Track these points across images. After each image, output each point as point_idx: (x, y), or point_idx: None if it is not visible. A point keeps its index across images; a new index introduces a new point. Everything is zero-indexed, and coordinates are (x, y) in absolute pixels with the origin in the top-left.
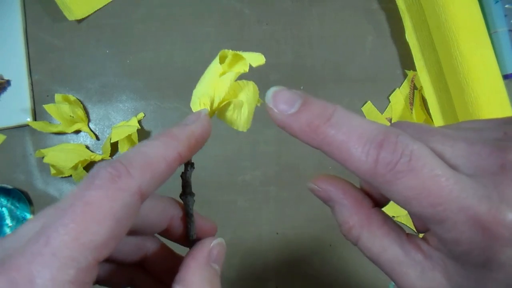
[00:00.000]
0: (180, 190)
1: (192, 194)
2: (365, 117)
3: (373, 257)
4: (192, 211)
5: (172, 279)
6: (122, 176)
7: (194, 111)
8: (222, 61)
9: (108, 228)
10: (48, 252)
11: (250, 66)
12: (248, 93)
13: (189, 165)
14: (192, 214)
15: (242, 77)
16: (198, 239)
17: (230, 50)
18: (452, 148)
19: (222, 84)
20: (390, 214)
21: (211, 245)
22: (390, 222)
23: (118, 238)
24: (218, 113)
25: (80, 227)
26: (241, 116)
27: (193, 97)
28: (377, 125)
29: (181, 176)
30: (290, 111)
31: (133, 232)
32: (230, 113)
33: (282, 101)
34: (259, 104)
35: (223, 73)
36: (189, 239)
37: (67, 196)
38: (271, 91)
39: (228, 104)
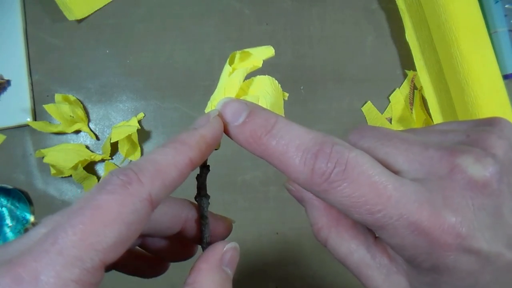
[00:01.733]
0: (195, 192)
1: (207, 196)
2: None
3: (341, 259)
4: (206, 214)
5: (167, 255)
6: (133, 183)
7: None
8: (231, 62)
9: (116, 232)
10: (54, 251)
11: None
12: (266, 88)
13: (204, 167)
14: (207, 216)
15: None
16: (212, 242)
17: (240, 50)
18: (406, 152)
19: (232, 83)
20: None
21: (225, 249)
22: (359, 225)
23: (126, 243)
24: None
25: (88, 229)
26: None
27: (208, 103)
28: (314, 134)
29: (196, 178)
30: (236, 122)
31: (146, 234)
32: None
33: (230, 112)
34: (285, 98)
35: (233, 72)
36: (203, 242)
37: (78, 200)
38: (220, 102)
39: None
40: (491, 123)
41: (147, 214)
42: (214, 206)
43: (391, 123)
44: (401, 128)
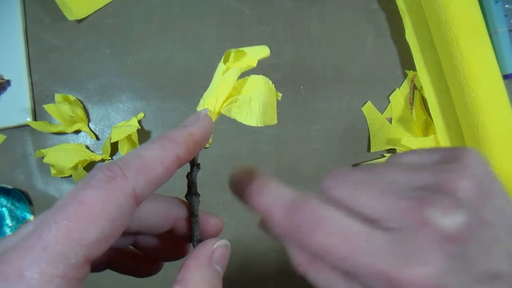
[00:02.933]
0: (185, 190)
1: (197, 195)
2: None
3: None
4: (197, 212)
5: (159, 255)
6: (117, 178)
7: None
8: (226, 60)
9: (100, 227)
10: (39, 247)
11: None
12: (259, 88)
13: (195, 165)
14: (197, 214)
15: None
16: (203, 240)
17: (234, 49)
18: (378, 202)
19: (226, 82)
20: None
21: (214, 246)
22: None
23: (111, 238)
24: (225, 111)
25: (72, 225)
26: (251, 111)
27: (200, 101)
28: (295, 194)
29: (187, 176)
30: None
31: (137, 232)
32: (239, 110)
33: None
34: (279, 98)
35: (226, 71)
36: (193, 240)
37: (64, 196)
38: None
39: (235, 100)
40: (459, 158)
41: (131, 210)
42: (214, 206)
43: (391, 123)
44: (401, 128)
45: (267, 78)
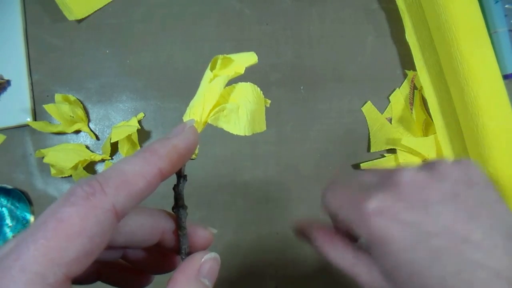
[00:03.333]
0: (172, 202)
1: (184, 207)
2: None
3: (337, 264)
4: (184, 224)
5: (149, 268)
6: (96, 193)
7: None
8: (213, 68)
9: (79, 245)
10: (17, 267)
11: (249, 67)
12: (247, 95)
13: (181, 177)
14: (185, 227)
15: (242, 79)
16: (192, 253)
17: (221, 55)
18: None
19: (213, 90)
20: None
21: (203, 259)
22: (346, 240)
23: (91, 255)
24: (212, 120)
25: (50, 243)
26: (239, 120)
27: (187, 109)
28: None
29: (173, 188)
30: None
31: (124, 246)
32: (226, 119)
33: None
34: (267, 105)
35: (213, 79)
36: (181, 253)
37: (43, 213)
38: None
39: (222, 109)
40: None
41: (111, 226)
42: (214, 207)
43: (391, 123)
44: (401, 128)
45: (255, 85)
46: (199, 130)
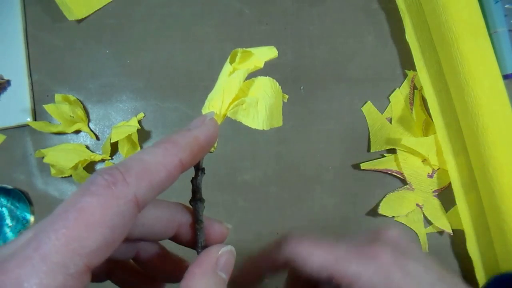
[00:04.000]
0: (190, 195)
1: (202, 200)
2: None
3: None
4: (202, 218)
5: (160, 273)
6: (118, 183)
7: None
8: (232, 60)
9: (100, 235)
10: (37, 257)
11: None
12: (266, 89)
13: (199, 170)
14: (202, 220)
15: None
16: (207, 246)
17: (241, 49)
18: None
19: (232, 84)
20: (390, 214)
21: (219, 252)
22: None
23: (112, 246)
24: (231, 114)
25: (71, 233)
26: (258, 114)
27: (205, 102)
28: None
29: (191, 181)
30: None
31: (139, 238)
32: (245, 112)
33: None
34: (285, 100)
35: (233, 72)
36: (198, 246)
37: (63, 202)
38: None
39: (241, 102)
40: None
41: (132, 216)
42: (214, 206)
43: (391, 123)
44: (401, 128)
45: (274, 80)
46: (218, 123)
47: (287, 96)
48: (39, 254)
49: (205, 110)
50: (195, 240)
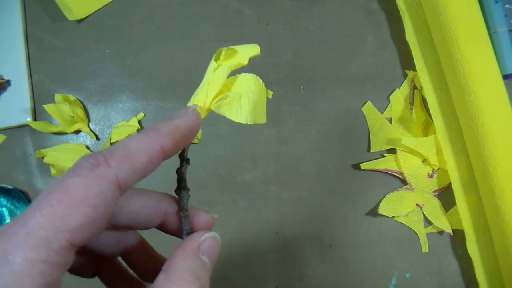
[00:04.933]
0: (175, 185)
1: (186, 189)
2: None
3: None
4: (186, 206)
5: (146, 274)
6: (100, 165)
7: None
8: (217, 58)
9: (83, 213)
10: (23, 232)
11: (250, 66)
12: (249, 85)
13: (184, 160)
14: (187, 209)
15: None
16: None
17: (226, 47)
18: None
19: (216, 79)
20: (390, 214)
21: (202, 238)
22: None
23: (94, 225)
24: (215, 107)
25: (55, 211)
26: (241, 108)
27: (191, 97)
28: None
29: (176, 171)
30: None
31: (126, 226)
32: (228, 106)
33: None
34: (269, 96)
35: (217, 68)
36: (183, 233)
37: (49, 184)
38: None
39: (225, 97)
40: None
41: (114, 197)
42: (214, 206)
43: (391, 123)
44: (401, 128)
45: (257, 77)
46: (202, 116)
47: (271, 93)
48: (24, 229)
49: (189, 104)
50: (181, 228)
